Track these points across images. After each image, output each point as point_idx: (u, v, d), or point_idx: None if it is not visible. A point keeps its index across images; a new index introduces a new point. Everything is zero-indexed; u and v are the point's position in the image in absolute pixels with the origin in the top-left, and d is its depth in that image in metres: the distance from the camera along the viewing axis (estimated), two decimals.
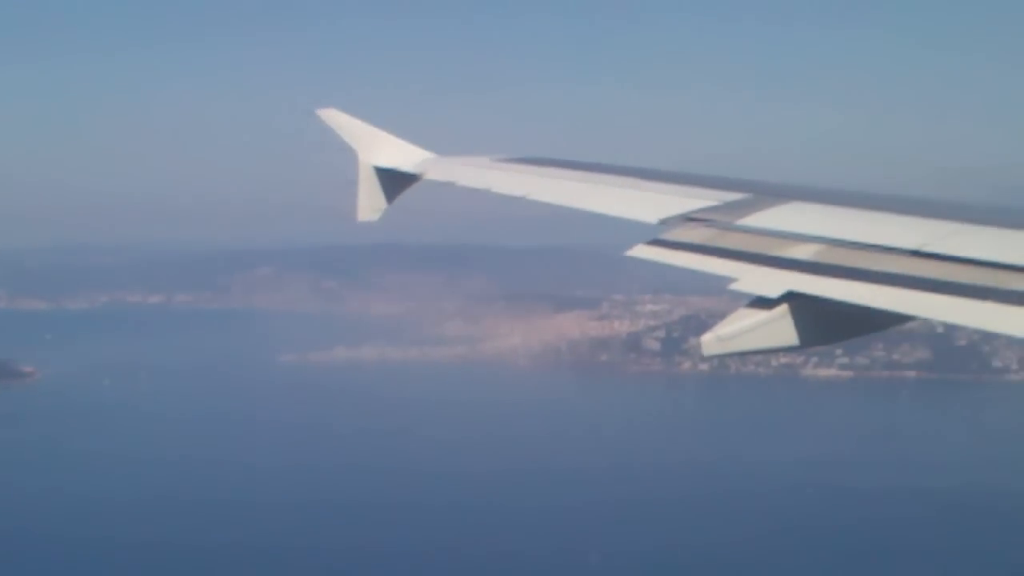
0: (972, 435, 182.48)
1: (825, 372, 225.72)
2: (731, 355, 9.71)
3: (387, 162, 19.31)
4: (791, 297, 9.51)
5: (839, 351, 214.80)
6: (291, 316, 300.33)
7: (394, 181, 19.36)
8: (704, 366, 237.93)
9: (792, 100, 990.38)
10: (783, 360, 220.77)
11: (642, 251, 11.57)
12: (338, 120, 19.77)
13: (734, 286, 10.01)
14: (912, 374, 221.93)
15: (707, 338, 9.62)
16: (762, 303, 9.62)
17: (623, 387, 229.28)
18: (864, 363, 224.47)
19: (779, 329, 9.50)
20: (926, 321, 9.06)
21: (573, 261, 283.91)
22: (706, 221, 11.75)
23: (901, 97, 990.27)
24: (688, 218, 11.99)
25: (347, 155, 19.57)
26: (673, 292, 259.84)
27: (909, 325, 9.80)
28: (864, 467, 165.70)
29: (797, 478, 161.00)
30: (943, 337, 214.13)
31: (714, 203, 12.26)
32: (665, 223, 12.13)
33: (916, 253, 9.26)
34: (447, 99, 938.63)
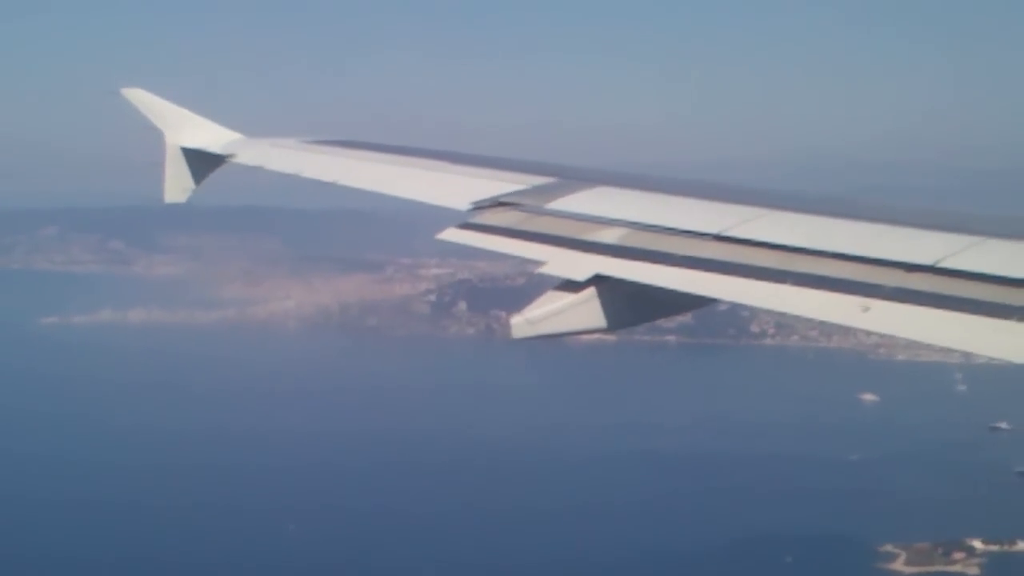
0: (710, 398, 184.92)
1: (588, 336, 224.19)
2: (540, 337, 9.70)
3: (194, 143, 18.83)
4: (598, 280, 9.66)
5: None
6: (69, 277, 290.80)
7: (202, 162, 18.90)
8: (471, 330, 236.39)
9: None
10: None
11: (453, 234, 11.73)
12: (143, 100, 19.08)
13: (543, 269, 10.07)
14: (673, 338, 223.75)
15: (516, 321, 9.67)
16: (570, 286, 9.73)
17: (375, 350, 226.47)
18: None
19: (587, 312, 9.68)
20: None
21: (371, 225, 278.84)
22: (515, 205, 11.78)
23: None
24: (498, 202, 11.99)
25: (154, 133, 18.92)
26: (459, 256, 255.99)
27: None
28: (589, 431, 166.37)
29: (513, 446, 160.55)
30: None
31: (523, 187, 12.28)
32: (476, 207, 12.07)
33: (719, 237, 9.46)
34: (257, 81, 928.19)
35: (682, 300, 9.58)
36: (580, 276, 9.75)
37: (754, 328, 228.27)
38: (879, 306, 7.84)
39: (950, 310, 7.47)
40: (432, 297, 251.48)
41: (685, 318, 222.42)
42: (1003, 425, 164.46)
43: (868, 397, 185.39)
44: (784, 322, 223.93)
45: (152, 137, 18.82)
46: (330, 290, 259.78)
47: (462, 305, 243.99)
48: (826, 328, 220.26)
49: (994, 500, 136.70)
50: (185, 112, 19.15)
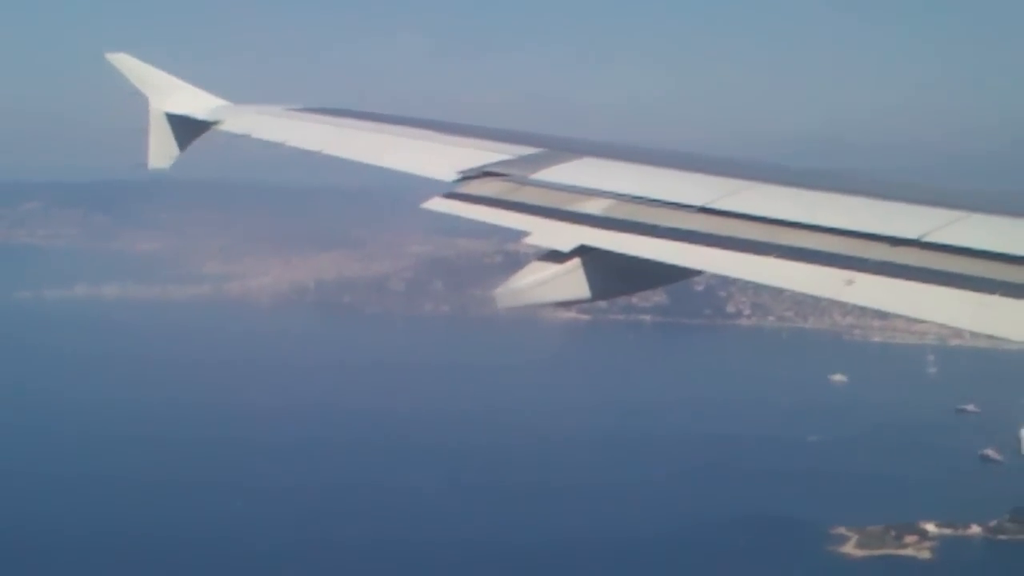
0: (681, 379, 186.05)
1: (565, 314, 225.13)
2: (524, 307, 9.94)
3: (179, 109, 18.78)
4: (583, 251, 9.76)
5: None
6: (50, 252, 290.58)
7: (187, 128, 18.86)
8: (446, 308, 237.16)
9: None
10: None
11: (438, 204, 11.74)
12: (129, 65, 19.00)
13: (528, 240, 10.19)
14: (647, 318, 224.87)
15: (500, 291, 9.86)
16: (555, 257, 9.83)
17: (346, 327, 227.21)
18: (603, 306, 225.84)
19: (571, 282, 9.77)
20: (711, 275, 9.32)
21: (355, 202, 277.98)
22: (502, 175, 11.84)
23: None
24: (484, 172, 12.07)
25: (138, 101, 18.89)
26: (441, 234, 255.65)
27: None
28: (556, 413, 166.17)
29: (475, 426, 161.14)
30: (682, 282, 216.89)
31: (510, 157, 12.36)
32: (462, 176, 12.15)
33: (704, 209, 9.55)
34: (244, 47, 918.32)
35: (666, 272, 9.55)
36: (565, 247, 9.83)
37: (730, 308, 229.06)
38: (863, 279, 7.87)
39: (934, 284, 7.54)
40: (409, 275, 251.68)
41: (661, 297, 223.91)
42: (970, 408, 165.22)
43: (838, 378, 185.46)
44: (760, 302, 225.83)
45: (137, 104, 18.71)
46: (308, 267, 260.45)
47: (438, 283, 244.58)
48: (802, 309, 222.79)
49: (953, 483, 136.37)
50: (171, 77, 19.05)
